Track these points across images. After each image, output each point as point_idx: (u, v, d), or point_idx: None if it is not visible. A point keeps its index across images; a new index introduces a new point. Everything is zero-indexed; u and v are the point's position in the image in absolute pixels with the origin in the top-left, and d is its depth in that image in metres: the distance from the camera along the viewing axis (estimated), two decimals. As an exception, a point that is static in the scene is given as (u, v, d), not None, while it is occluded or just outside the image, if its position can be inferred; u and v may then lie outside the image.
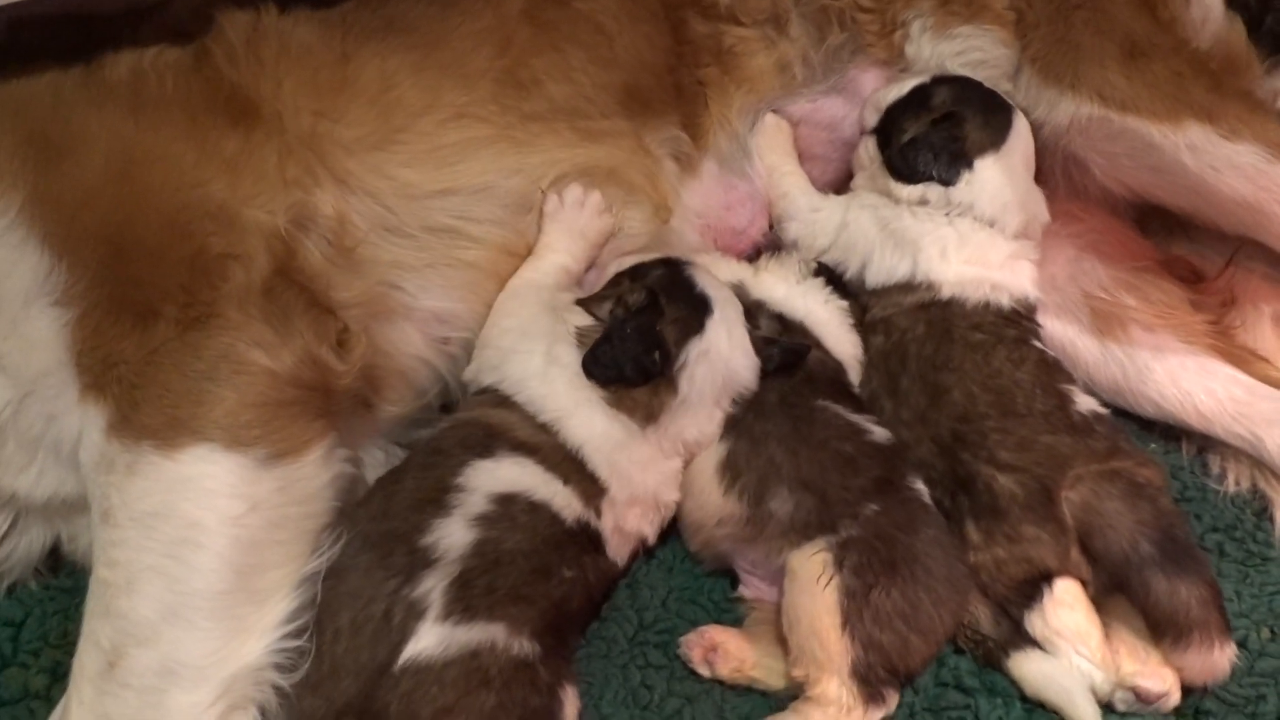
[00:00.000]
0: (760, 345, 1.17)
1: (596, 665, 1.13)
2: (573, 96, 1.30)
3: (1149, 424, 1.36)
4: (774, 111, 1.45)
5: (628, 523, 1.11)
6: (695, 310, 1.15)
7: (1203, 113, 1.27)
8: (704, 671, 1.10)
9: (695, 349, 1.13)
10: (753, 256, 1.41)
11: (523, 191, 1.26)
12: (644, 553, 1.20)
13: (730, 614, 1.17)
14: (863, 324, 1.31)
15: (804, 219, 1.38)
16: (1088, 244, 1.43)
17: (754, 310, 1.25)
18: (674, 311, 1.14)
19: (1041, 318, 1.35)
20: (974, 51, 1.40)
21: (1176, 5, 1.42)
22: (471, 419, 1.13)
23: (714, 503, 1.14)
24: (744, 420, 1.15)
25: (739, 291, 1.28)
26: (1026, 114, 1.36)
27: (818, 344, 1.25)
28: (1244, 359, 1.33)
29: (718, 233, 1.39)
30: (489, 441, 1.09)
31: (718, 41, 1.44)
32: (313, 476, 1.03)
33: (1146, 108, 1.28)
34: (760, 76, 1.43)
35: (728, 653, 1.10)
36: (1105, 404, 1.34)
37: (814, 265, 1.34)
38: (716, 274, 1.28)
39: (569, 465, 1.09)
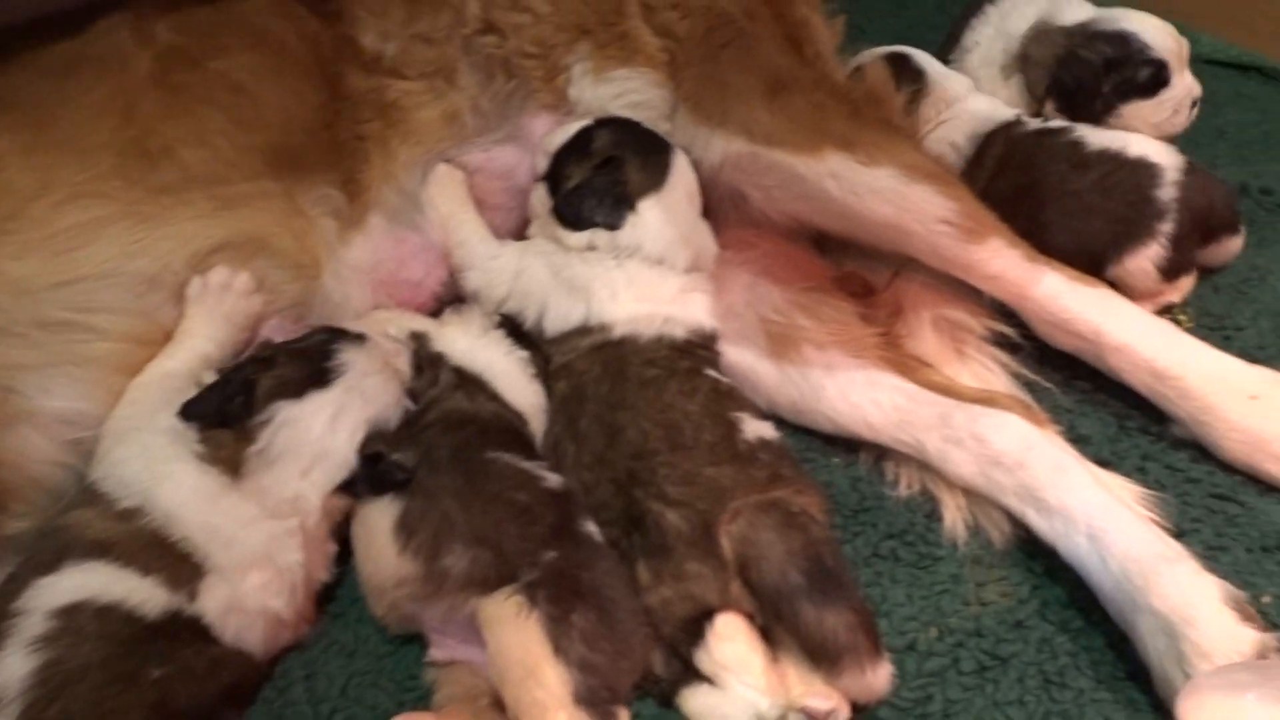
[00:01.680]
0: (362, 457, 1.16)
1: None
2: (211, 162, 1.25)
3: (832, 439, 1.40)
4: (446, 161, 1.44)
5: (248, 597, 1.06)
6: (307, 378, 1.14)
7: (842, 142, 1.34)
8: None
9: (284, 411, 1.12)
10: (437, 309, 1.39)
11: (152, 274, 1.20)
12: (320, 637, 1.14)
13: (415, 692, 1.13)
14: (548, 373, 1.31)
15: (482, 267, 1.37)
16: (762, 269, 1.47)
17: (434, 363, 1.24)
18: (284, 370, 1.14)
19: (722, 346, 1.39)
20: (632, 93, 1.43)
21: (821, 41, 1.49)
22: (50, 531, 1.06)
23: (391, 563, 1.11)
24: (417, 476, 1.13)
25: (420, 344, 1.26)
26: (686, 152, 1.40)
27: (495, 396, 1.24)
28: (911, 367, 1.40)
29: (393, 287, 1.37)
30: (59, 554, 1.02)
31: (380, 96, 1.42)
32: None
33: (790, 140, 1.34)
34: (428, 128, 1.42)
35: (429, 737, 1.07)
36: (789, 424, 1.40)
37: (497, 318, 1.33)
38: (396, 327, 1.27)
39: (151, 552, 1.04)
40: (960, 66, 1.78)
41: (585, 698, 0.99)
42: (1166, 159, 1.50)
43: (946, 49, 1.83)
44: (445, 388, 1.22)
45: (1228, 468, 1.31)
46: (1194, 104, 1.66)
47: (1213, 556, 1.22)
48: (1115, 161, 1.51)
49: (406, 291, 1.38)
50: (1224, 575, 1.19)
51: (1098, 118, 1.64)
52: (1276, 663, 0.98)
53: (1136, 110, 1.65)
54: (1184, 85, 1.66)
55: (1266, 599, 1.18)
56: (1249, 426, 1.27)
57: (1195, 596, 1.06)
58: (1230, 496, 1.29)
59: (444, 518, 1.09)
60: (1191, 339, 1.35)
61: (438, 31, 1.47)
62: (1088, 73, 1.65)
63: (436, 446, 1.15)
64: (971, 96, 1.65)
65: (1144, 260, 1.48)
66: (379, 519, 1.12)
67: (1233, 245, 1.58)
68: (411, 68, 1.45)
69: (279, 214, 1.28)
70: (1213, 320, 1.52)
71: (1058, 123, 1.61)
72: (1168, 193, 1.48)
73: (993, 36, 1.78)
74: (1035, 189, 1.51)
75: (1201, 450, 1.33)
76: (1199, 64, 2.11)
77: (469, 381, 1.24)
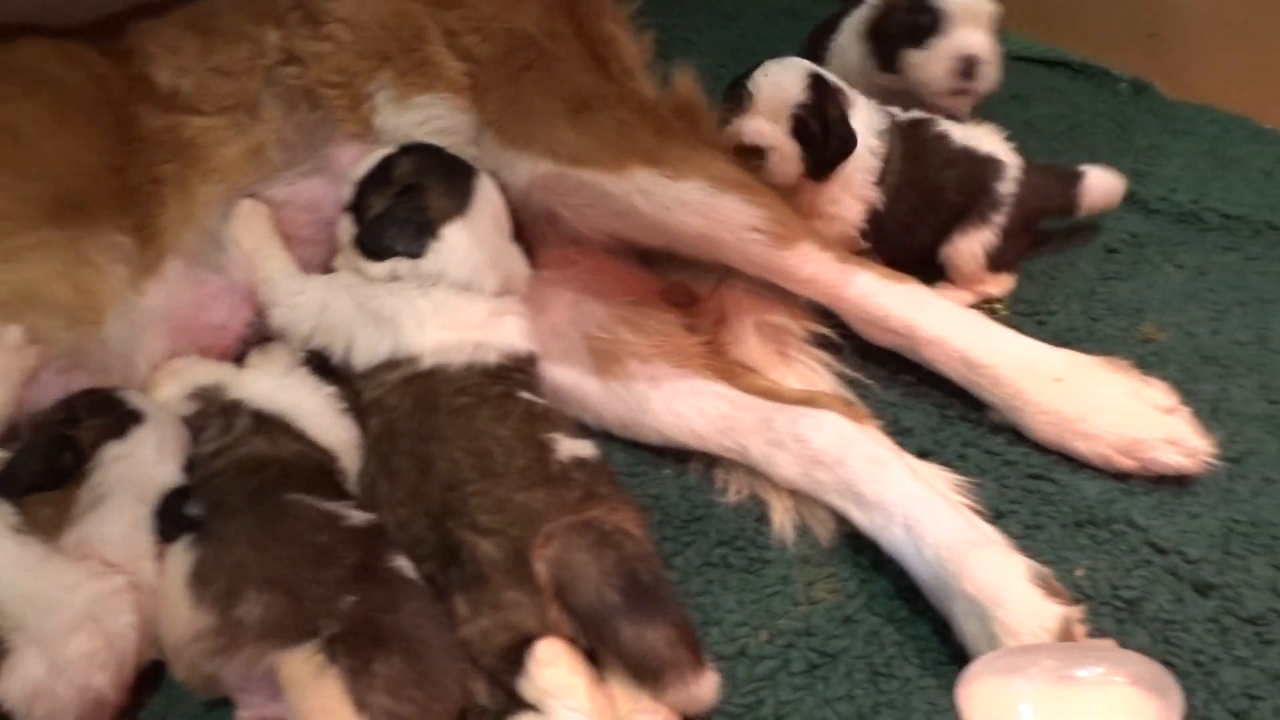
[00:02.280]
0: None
1: None
2: None
3: (662, 450, 1.40)
4: (250, 196, 1.40)
5: (67, 671, 1.00)
6: (123, 418, 1.15)
7: (648, 157, 1.34)
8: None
9: (113, 449, 1.13)
10: (245, 351, 1.34)
11: None
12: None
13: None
14: (359, 409, 1.28)
15: (287, 303, 1.34)
16: (584, 286, 1.47)
17: (228, 411, 1.20)
18: (94, 420, 1.16)
19: (546, 366, 1.38)
20: (436, 120, 1.42)
21: (628, 56, 1.49)
22: None
23: (185, 618, 1.07)
24: (210, 524, 1.09)
25: (216, 394, 1.22)
26: (494, 175, 1.39)
27: (301, 436, 1.21)
28: (736, 373, 1.41)
29: (195, 332, 1.33)
30: None
31: (177, 134, 1.38)
32: None
33: (596, 159, 1.34)
34: (231, 165, 1.38)
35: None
36: (616, 438, 1.40)
37: (303, 355, 1.30)
38: (192, 378, 1.23)
39: None
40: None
41: None
42: (1009, 158, 1.59)
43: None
44: (241, 434, 1.18)
45: (1043, 449, 1.35)
46: (972, 66, 1.67)
47: (1030, 535, 1.26)
48: (970, 158, 1.58)
49: (208, 336, 1.33)
50: (1041, 552, 1.23)
51: (892, 65, 1.72)
52: (1045, 646, 1.01)
53: (912, 59, 1.71)
54: (957, 40, 1.67)
55: (1080, 572, 1.22)
56: (1056, 408, 1.32)
57: (1003, 578, 1.09)
58: (1045, 475, 1.33)
59: (237, 564, 1.05)
60: (1001, 328, 1.39)
61: (236, 64, 1.43)
62: (890, 23, 1.72)
63: (229, 492, 1.12)
64: (860, 101, 1.66)
65: (975, 243, 1.55)
66: (174, 572, 1.07)
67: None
68: (210, 103, 1.41)
69: (60, 265, 1.23)
70: (1027, 306, 1.58)
71: (919, 114, 1.65)
72: (1007, 187, 1.56)
73: (849, 43, 1.84)
74: (921, 184, 1.57)
75: (1018, 434, 1.37)
76: (1008, 61, 2.21)
77: (270, 424, 1.20)
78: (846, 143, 1.49)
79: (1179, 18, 2.05)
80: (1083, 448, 1.31)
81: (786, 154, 1.47)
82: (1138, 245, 1.71)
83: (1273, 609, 1.16)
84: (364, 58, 1.44)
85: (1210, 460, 1.28)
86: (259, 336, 1.35)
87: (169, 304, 1.31)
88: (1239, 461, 1.33)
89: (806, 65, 1.54)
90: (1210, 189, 1.82)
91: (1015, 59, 2.20)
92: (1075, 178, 1.64)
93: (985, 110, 2.00)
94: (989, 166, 1.57)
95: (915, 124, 1.62)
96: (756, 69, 1.52)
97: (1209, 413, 1.39)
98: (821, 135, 1.48)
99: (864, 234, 1.54)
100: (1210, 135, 1.95)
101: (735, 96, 1.51)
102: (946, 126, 1.62)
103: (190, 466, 1.18)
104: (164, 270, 1.31)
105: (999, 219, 1.56)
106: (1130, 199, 1.76)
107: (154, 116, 1.38)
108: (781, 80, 1.49)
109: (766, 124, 1.47)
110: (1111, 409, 1.30)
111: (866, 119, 1.56)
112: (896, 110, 1.64)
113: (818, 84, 1.51)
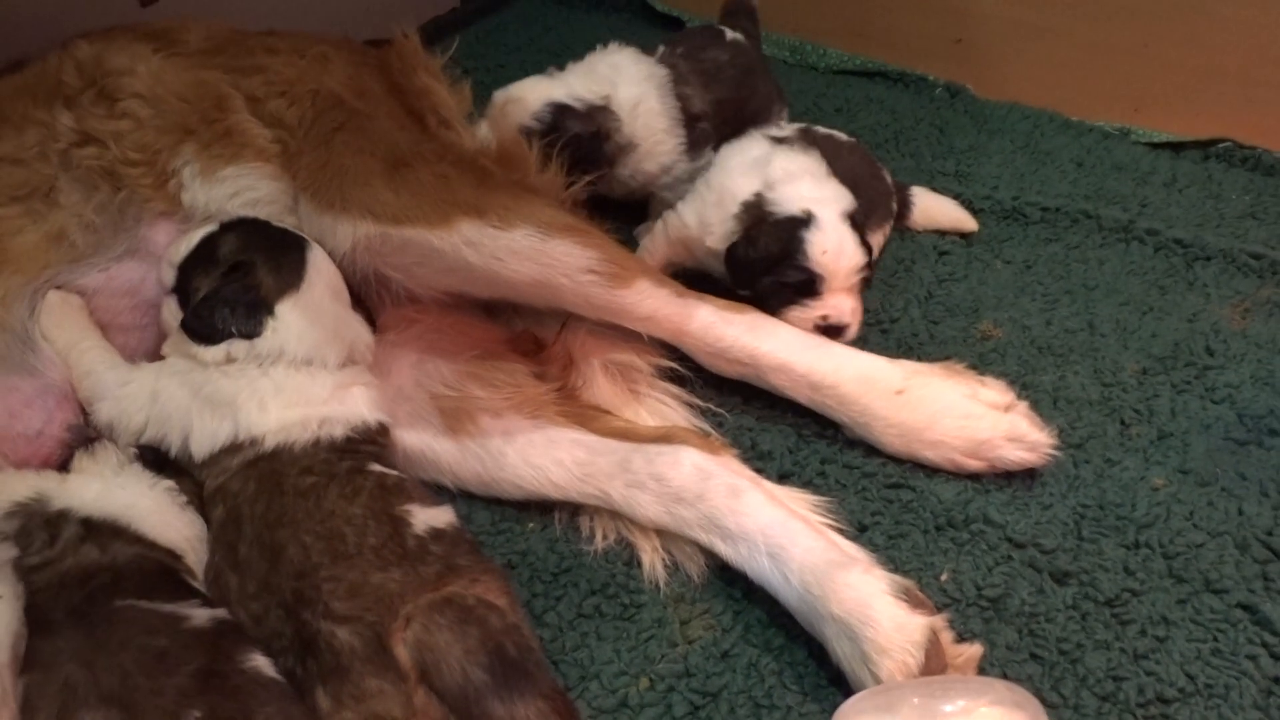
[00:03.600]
0: None
1: None
2: None
3: (525, 504, 1.38)
4: (58, 288, 1.32)
5: None
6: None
7: (472, 209, 1.32)
8: None
9: None
10: (67, 456, 1.26)
11: None
12: None
13: None
14: (202, 499, 1.21)
15: (113, 396, 1.26)
16: (427, 345, 1.44)
17: (52, 523, 1.12)
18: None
19: (396, 431, 1.34)
20: (247, 191, 1.37)
21: (445, 108, 1.47)
22: None
23: None
24: (31, 649, 1.01)
25: (38, 507, 1.14)
26: (319, 243, 1.34)
27: (139, 538, 1.14)
28: (590, 417, 1.39)
29: (9, 442, 1.23)
30: None
31: None
32: None
33: (418, 216, 1.31)
34: (31, 254, 1.30)
35: None
36: (477, 497, 1.36)
37: (134, 450, 1.22)
38: (9, 493, 1.14)
39: None
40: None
41: None
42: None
43: None
44: (66, 545, 1.10)
45: (899, 459, 1.38)
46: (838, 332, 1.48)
47: (894, 545, 1.28)
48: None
49: (24, 446, 1.23)
50: (907, 560, 1.25)
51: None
52: (915, 682, 1.03)
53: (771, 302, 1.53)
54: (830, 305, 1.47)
55: (944, 576, 1.24)
56: (901, 420, 1.34)
57: (867, 596, 1.10)
58: (903, 484, 1.35)
59: (65, 684, 0.97)
60: (841, 347, 1.41)
61: (26, 150, 1.35)
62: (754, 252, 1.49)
63: (51, 610, 1.03)
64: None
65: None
66: (11, 708, 0.99)
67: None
68: (1, 192, 1.32)
69: None
70: (870, 315, 1.61)
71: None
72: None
73: None
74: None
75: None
76: (830, 75, 2.27)
77: (102, 530, 1.12)
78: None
79: (982, 23, 2.13)
80: (931, 455, 1.34)
81: None
82: (967, 245, 1.77)
83: (1127, 589, 1.21)
84: (165, 133, 1.37)
85: (1052, 451, 1.32)
86: (82, 439, 1.26)
87: (-29, 420, 1.22)
88: (1081, 447, 1.38)
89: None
90: (1028, 184, 1.89)
91: (836, 73, 2.27)
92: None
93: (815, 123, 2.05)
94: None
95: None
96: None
97: (1049, 402, 1.44)
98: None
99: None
100: (1023, 131, 2.03)
101: None
102: None
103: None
104: None
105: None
106: (957, 201, 1.82)
107: None
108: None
109: None
110: (953, 414, 1.33)
111: None
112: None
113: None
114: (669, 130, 1.72)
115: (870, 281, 1.57)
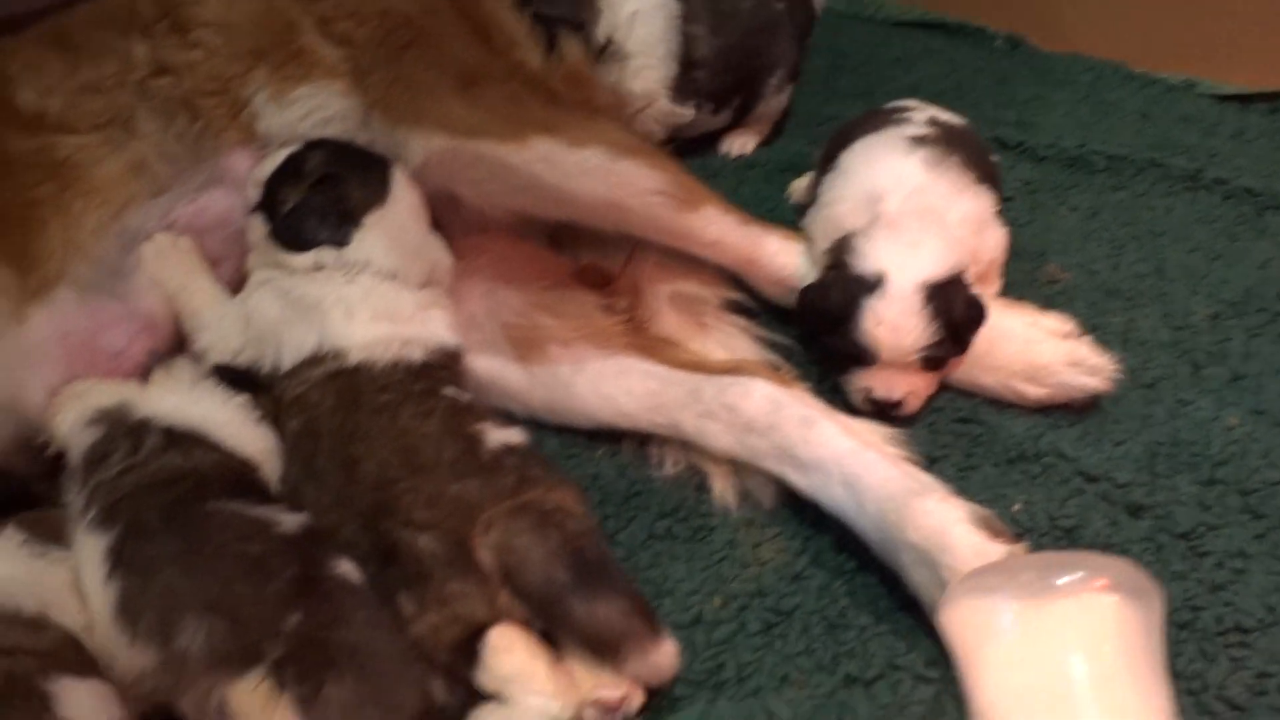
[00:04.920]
0: None
1: None
2: None
3: (594, 432, 1.38)
4: (161, 229, 1.33)
5: None
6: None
7: (545, 127, 1.32)
8: None
9: None
10: (144, 376, 1.28)
11: None
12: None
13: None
14: (279, 412, 1.23)
15: (213, 326, 1.28)
16: (498, 273, 1.44)
17: (135, 431, 1.14)
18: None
19: (468, 357, 1.35)
20: (319, 110, 1.37)
21: (512, 29, 1.47)
22: None
23: (124, 658, 0.99)
24: (125, 550, 1.02)
25: (122, 414, 1.15)
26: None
27: (217, 447, 1.15)
28: (658, 348, 1.39)
29: (91, 358, 1.24)
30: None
31: (50, 155, 1.29)
32: None
33: (491, 130, 1.31)
34: (113, 184, 1.31)
35: None
36: (546, 425, 1.37)
37: (210, 368, 1.24)
38: (94, 401, 1.16)
39: None
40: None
41: None
42: None
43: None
44: (150, 453, 1.11)
45: (967, 393, 1.37)
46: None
47: (965, 477, 1.27)
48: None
49: (105, 362, 1.24)
50: (977, 492, 1.24)
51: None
52: (1022, 560, 1.02)
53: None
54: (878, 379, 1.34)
55: (1017, 507, 1.24)
56: (964, 347, 1.33)
57: (945, 523, 1.08)
58: (973, 418, 1.34)
59: (166, 590, 0.98)
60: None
61: (105, 80, 1.36)
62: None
63: (143, 511, 1.04)
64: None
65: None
66: (99, 609, 1.00)
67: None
68: (82, 121, 1.33)
69: None
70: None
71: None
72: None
73: None
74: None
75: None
76: (888, 27, 2.25)
77: (183, 439, 1.13)
78: None
79: (1046, -28, 2.12)
80: (990, 381, 1.33)
81: None
82: (1031, 192, 1.75)
83: (1202, 523, 1.19)
84: (236, 60, 1.38)
85: (1116, 377, 1.31)
86: (162, 359, 1.28)
87: (59, 331, 1.23)
88: (1153, 387, 1.37)
89: None
90: (1093, 134, 1.87)
91: (894, 25, 2.25)
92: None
93: (871, 78, 2.04)
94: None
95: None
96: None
97: (1119, 344, 1.42)
98: None
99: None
100: (1086, 83, 2.01)
101: None
102: None
103: (93, 492, 1.11)
104: (52, 298, 1.23)
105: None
106: (1019, 149, 1.81)
107: (20, 139, 1.29)
108: None
109: None
110: (1012, 339, 1.32)
111: None
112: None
113: None
114: (662, 60, 1.69)
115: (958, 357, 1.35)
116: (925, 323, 1.26)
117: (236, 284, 1.36)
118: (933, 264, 1.27)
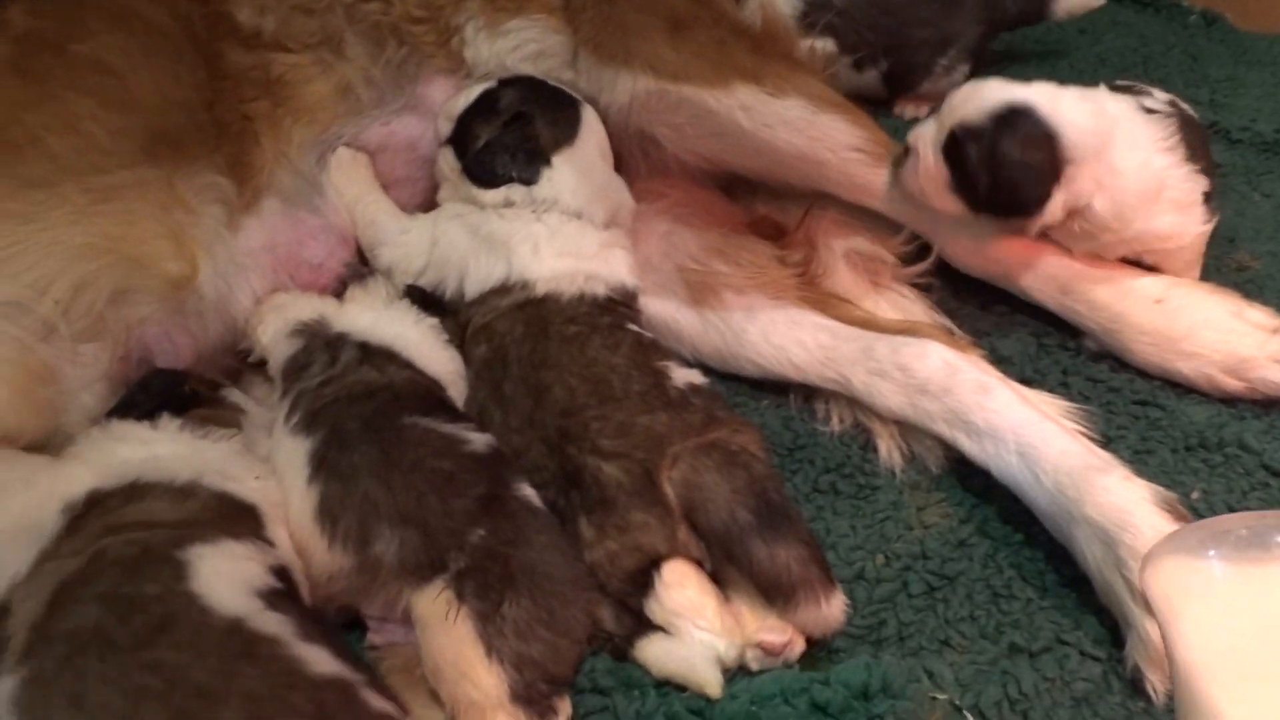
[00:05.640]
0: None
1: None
2: (84, 150, 1.16)
3: (760, 382, 1.39)
4: (347, 144, 1.38)
5: None
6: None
7: (749, 75, 1.33)
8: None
9: None
10: (341, 290, 1.33)
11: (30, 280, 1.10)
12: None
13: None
14: (465, 338, 1.27)
15: (395, 242, 1.33)
16: (676, 218, 1.45)
17: (333, 345, 1.19)
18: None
19: (643, 298, 1.37)
20: (530, 44, 1.40)
21: (717, -24, 1.47)
22: None
23: (321, 557, 1.05)
24: (329, 457, 1.07)
25: (320, 327, 1.21)
26: (591, 98, 1.39)
27: (409, 365, 1.20)
28: (830, 304, 1.39)
29: (293, 268, 1.31)
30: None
31: (265, 72, 1.35)
32: None
33: (697, 75, 1.32)
34: (320, 104, 1.36)
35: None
36: (713, 371, 1.39)
37: (402, 288, 1.29)
38: (295, 313, 1.21)
39: None
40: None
41: (523, 695, 0.95)
42: None
43: None
44: (347, 365, 1.16)
45: (1146, 375, 1.34)
46: None
47: (1140, 460, 1.24)
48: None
49: (306, 274, 1.31)
50: (1153, 477, 1.21)
51: None
52: (1232, 519, 0.98)
53: None
54: None
55: (1195, 495, 1.21)
56: (1157, 328, 1.30)
57: (1128, 502, 1.07)
58: (1151, 401, 1.31)
59: (365, 498, 1.03)
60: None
61: (317, 2, 1.41)
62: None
63: (344, 420, 1.09)
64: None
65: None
66: (300, 509, 1.06)
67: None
68: (294, 40, 1.38)
69: (157, 208, 1.19)
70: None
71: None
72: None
73: None
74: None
75: (1119, 361, 1.35)
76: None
77: (377, 354, 1.18)
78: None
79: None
80: (1186, 368, 1.29)
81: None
82: (1223, 175, 1.68)
83: (1393, 528, 1.15)
84: None
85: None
86: (357, 276, 1.33)
87: (267, 241, 1.29)
88: (1344, 384, 1.31)
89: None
90: (1291, 119, 1.79)
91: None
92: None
93: (1056, 46, 1.98)
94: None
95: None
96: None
97: (1313, 338, 1.37)
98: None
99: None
100: (1285, 65, 1.92)
101: None
102: None
103: (296, 400, 1.16)
104: (261, 209, 1.29)
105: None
106: (1211, 131, 1.74)
107: (239, 54, 1.35)
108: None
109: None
110: (1214, 327, 1.28)
111: None
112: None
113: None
114: None
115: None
116: None
117: (414, 207, 1.41)
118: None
